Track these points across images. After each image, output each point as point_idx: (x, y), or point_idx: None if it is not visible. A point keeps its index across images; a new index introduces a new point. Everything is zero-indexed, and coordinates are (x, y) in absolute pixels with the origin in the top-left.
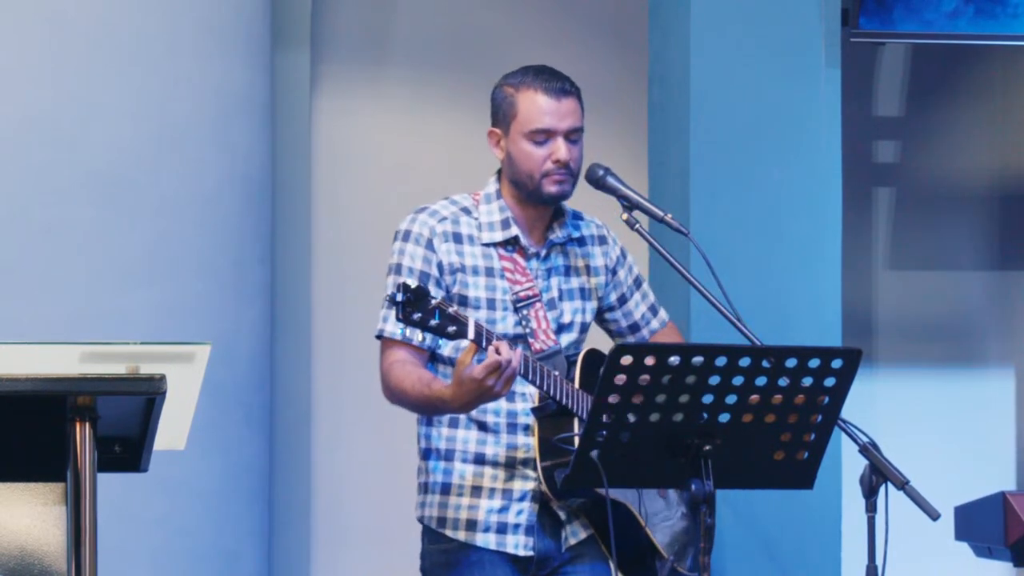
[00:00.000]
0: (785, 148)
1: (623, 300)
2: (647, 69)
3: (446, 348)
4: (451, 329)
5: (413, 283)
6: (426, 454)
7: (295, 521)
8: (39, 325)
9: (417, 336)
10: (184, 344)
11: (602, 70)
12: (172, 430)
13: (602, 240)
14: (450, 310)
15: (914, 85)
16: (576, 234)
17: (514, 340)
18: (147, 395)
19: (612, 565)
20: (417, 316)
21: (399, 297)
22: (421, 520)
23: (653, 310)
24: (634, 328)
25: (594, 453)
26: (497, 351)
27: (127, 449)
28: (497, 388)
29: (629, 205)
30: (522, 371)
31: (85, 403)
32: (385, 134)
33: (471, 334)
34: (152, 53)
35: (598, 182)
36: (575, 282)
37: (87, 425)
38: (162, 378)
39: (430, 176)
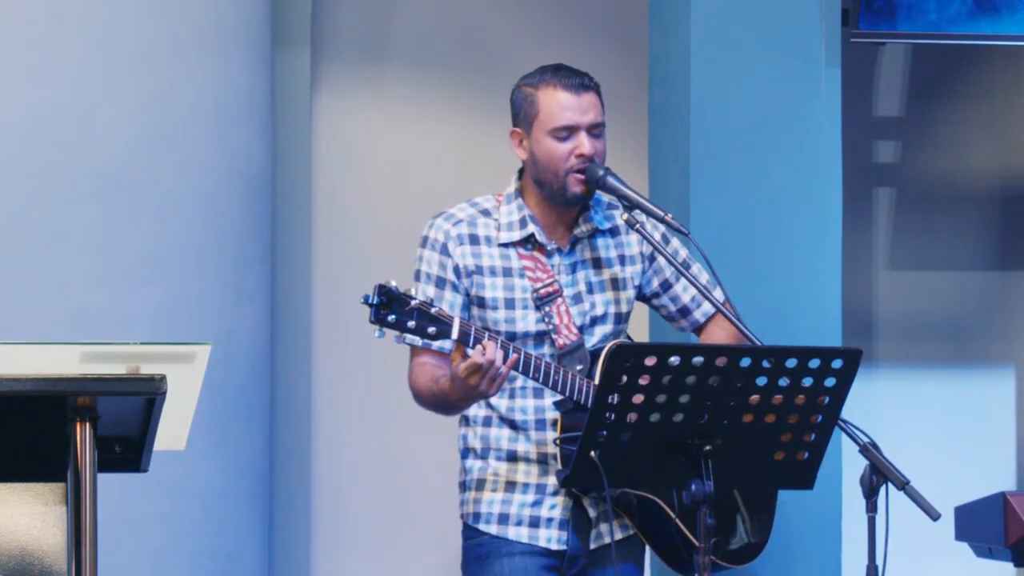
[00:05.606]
0: (785, 148)
1: (667, 286)
2: (647, 69)
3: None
4: (431, 330)
5: (392, 284)
6: (464, 453)
7: (295, 521)
8: (39, 325)
9: (437, 342)
10: (184, 344)
11: (602, 70)
12: (172, 430)
13: None
14: (432, 311)
15: (914, 85)
16: (607, 224)
17: (537, 337)
18: (147, 395)
19: (614, 566)
20: (392, 318)
21: (373, 300)
22: (462, 517)
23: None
24: (684, 312)
25: (594, 453)
26: (484, 351)
27: (127, 449)
28: (482, 387)
29: (629, 205)
30: (521, 368)
31: (85, 403)
32: (385, 134)
33: (455, 334)
34: (152, 53)
35: (598, 182)
36: (606, 273)
37: (87, 425)
38: (162, 378)
39: (430, 176)
